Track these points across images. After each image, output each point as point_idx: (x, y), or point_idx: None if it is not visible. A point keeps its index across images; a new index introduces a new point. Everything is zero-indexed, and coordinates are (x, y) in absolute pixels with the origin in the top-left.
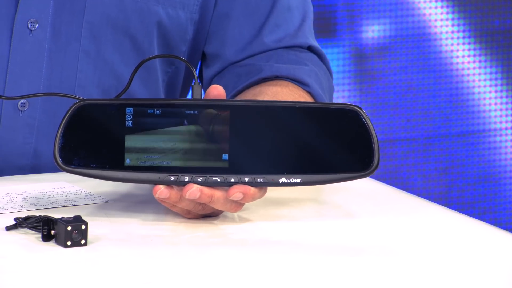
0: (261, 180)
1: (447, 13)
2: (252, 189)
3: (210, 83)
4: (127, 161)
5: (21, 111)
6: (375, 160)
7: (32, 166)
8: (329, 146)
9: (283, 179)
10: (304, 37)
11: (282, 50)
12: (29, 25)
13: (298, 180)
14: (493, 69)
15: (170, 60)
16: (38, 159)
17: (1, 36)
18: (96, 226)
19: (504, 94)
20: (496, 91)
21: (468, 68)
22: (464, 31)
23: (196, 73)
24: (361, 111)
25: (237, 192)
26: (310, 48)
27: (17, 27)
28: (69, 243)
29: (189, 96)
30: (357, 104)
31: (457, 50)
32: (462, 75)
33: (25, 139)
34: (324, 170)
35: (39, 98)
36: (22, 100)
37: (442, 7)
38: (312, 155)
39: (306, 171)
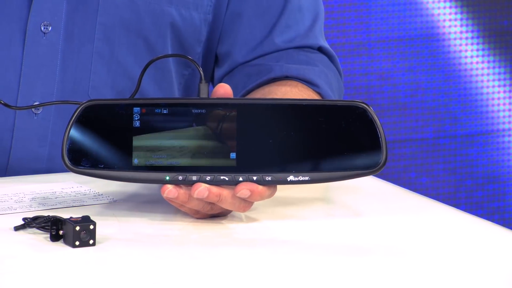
0: (269, 178)
1: (456, 13)
2: (259, 187)
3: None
4: (135, 161)
5: (35, 113)
6: (383, 157)
7: (47, 169)
8: (336, 143)
9: (291, 177)
10: (315, 38)
11: (292, 51)
12: (42, 28)
13: (306, 178)
14: (502, 70)
15: (186, 62)
16: (52, 162)
17: (14, 39)
18: (104, 226)
19: None
20: (504, 91)
21: (477, 69)
22: (472, 31)
23: (201, 71)
24: (368, 108)
25: (244, 189)
26: (321, 49)
27: (30, 30)
28: (77, 243)
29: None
30: (364, 101)
31: (466, 51)
32: (471, 76)
33: (39, 142)
34: (332, 167)
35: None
36: (36, 103)
37: (450, 7)
38: (320, 152)
39: (314, 169)
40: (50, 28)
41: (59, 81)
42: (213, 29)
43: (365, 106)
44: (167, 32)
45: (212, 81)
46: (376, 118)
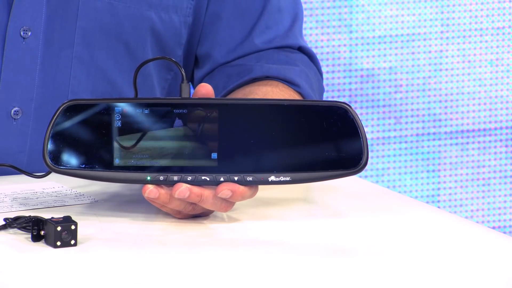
0: (251, 178)
1: (436, 13)
2: (241, 188)
3: None
4: (116, 161)
5: (15, 119)
6: (364, 158)
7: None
8: (318, 144)
9: (272, 178)
10: (295, 38)
11: (272, 51)
12: (21, 33)
13: (288, 179)
14: (482, 69)
15: (169, 66)
16: (32, 168)
17: None
18: (85, 226)
19: (493, 94)
20: (485, 91)
21: (458, 68)
22: (453, 31)
23: (183, 71)
24: (349, 108)
25: (225, 189)
26: (301, 49)
27: (10, 35)
28: (58, 243)
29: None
30: (345, 102)
31: (447, 50)
32: (452, 75)
33: (19, 148)
34: (313, 168)
35: (32, 106)
36: (16, 108)
37: (431, 7)
38: (301, 153)
39: (295, 169)
40: (30, 33)
41: (39, 86)
42: (193, 31)
43: (346, 106)
44: (147, 36)
45: (192, 82)
46: (358, 118)
